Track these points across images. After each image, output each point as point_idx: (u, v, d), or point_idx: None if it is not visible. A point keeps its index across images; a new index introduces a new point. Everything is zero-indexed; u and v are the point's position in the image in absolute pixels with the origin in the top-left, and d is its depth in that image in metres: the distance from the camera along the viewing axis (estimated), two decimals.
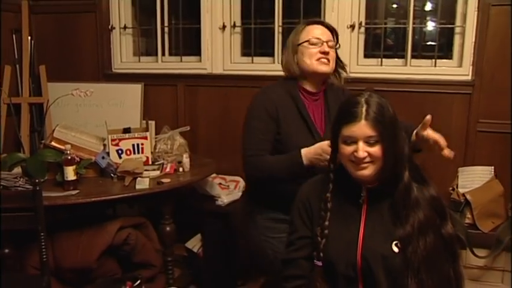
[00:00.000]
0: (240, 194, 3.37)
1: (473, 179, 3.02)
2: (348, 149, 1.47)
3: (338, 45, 2.23)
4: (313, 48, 2.10)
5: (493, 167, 3.02)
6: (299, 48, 2.15)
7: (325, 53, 2.09)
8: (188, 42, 3.87)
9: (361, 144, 1.45)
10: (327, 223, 1.52)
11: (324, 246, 1.50)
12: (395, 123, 1.51)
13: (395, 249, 1.48)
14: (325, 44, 2.10)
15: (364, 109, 1.46)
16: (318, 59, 2.09)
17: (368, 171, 1.47)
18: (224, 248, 3.16)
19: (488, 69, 3.20)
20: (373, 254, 1.48)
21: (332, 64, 2.14)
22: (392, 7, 3.60)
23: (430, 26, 3.53)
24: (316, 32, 2.13)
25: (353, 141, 1.46)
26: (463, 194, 2.87)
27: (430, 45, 3.51)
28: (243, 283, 3.28)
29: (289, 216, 1.64)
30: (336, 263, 1.50)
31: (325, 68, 2.11)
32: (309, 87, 2.20)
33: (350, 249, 1.50)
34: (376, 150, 1.46)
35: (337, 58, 2.25)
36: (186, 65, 3.75)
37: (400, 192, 1.50)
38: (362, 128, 1.45)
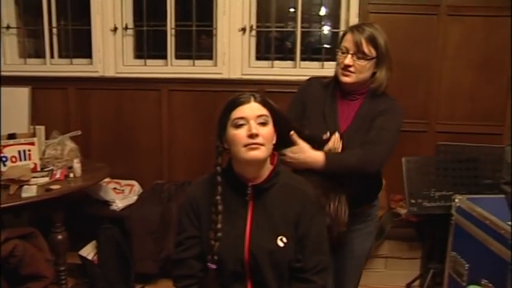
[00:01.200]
0: (135, 197, 3.33)
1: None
2: (239, 132, 1.51)
3: (372, 57, 1.93)
4: (341, 57, 1.95)
5: None
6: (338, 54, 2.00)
7: (347, 66, 1.92)
8: (78, 44, 3.74)
9: (252, 122, 1.51)
10: (219, 226, 1.55)
11: (217, 251, 1.54)
12: (282, 115, 1.63)
13: (281, 244, 1.55)
14: (349, 56, 1.92)
15: (250, 94, 1.56)
16: (342, 69, 1.94)
17: (261, 152, 1.51)
18: (120, 253, 3.10)
19: None
20: (259, 249, 1.54)
21: (357, 75, 1.93)
22: (290, 11, 3.74)
23: (318, 30, 3.72)
24: (347, 39, 1.95)
25: (244, 123, 1.51)
26: None
27: (319, 48, 3.70)
28: (142, 287, 3.24)
29: (178, 217, 1.67)
30: (225, 260, 1.54)
31: (344, 79, 1.95)
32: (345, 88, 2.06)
33: (238, 245, 1.55)
34: (267, 131, 1.53)
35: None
36: (77, 68, 3.64)
37: (281, 188, 1.60)
38: (253, 107, 1.52)
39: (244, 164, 1.55)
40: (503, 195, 2.01)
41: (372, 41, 1.91)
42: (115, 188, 3.37)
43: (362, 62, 1.92)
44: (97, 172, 3.03)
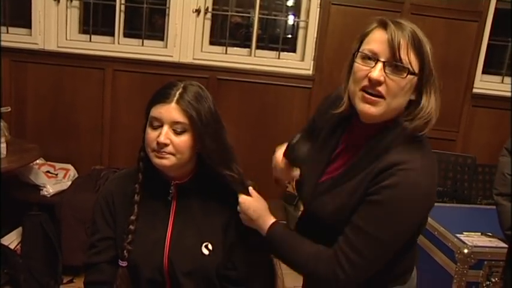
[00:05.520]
0: (69, 183, 3.09)
1: None
2: (152, 134, 1.32)
3: (414, 71, 1.18)
4: (362, 69, 1.19)
5: None
6: (354, 64, 1.23)
7: (374, 84, 1.16)
8: (16, 11, 3.43)
9: (165, 128, 1.30)
10: (133, 217, 1.37)
11: (130, 245, 1.36)
12: (212, 120, 1.36)
13: (206, 252, 1.39)
14: (379, 64, 1.16)
15: (178, 92, 1.32)
16: (362, 89, 1.19)
17: (168, 162, 1.32)
18: (47, 243, 2.88)
19: (327, 65, 3.32)
20: (180, 257, 1.37)
21: (388, 102, 1.18)
22: None
23: (274, 17, 3.57)
24: (374, 39, 1.20)
25: (159, 124, 1.32)
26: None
27: (277, 37, 3.55)
28: (71, 280, 3.03)
29: (92, 215, 1.46)
30: (142, 265, 1.36)
31: (368, 108, 1.19)
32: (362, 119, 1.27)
33: (156, 250, 1.37)
34: (181, 141, 1.32)
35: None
36: (13, 37, 3.32)
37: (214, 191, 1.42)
38: (170, 110, 1.30)
39: None
40: (453, 204, 1.94)
41: (417, 45, 1.18)
42: (48, 172, 3.12)
43: (399, 78, 1.16)
44: (26, 153, 2.78)
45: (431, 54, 1.21)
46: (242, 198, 1.39)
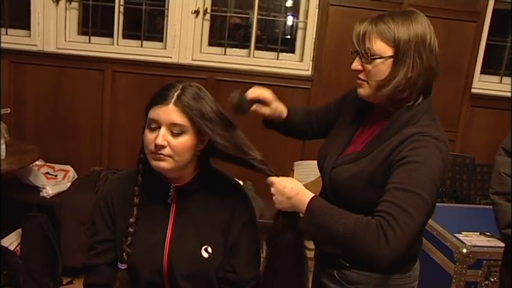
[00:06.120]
0: (68, 184, 3.10)
1: (308, 172, 3.11)
2: (150, 136, 1.31)
3: (385, 56, 1.34)
4: (352, 60, 1.42)
5: None
6: None
7: (356, 72, 1.40)
8: (15, 12, 3.43)
9: (163, 130, 1.29)
10: (132, 220, 1.36)
11: (129, 247, 1.36)
12: (217, 117, 1.34)
13: (205, 255, 1.38)
14: (356, 57, 1.39)
15: (176, 93, 1.30)
16: (355, 78, 1.42)
17: (166, 164, 1.31)
18: (47, 244, 2.87)
19: (326, 66, 3.33)
20: (180, 259, 1.37)
21: (371, 85, 1.37)
22: None
23: (273, 18, 3.58)
24: (353, 36, 1.40)
25: (157, 126, 1.31)
26: None
27: (275, 38, 3.55)
28: (71, 281, 3.02)
29: (91, 217, 1.45)
30: (141, 268, 1.36)
31: (359, 91, 1.42)
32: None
33: (156, 253, 1.37)
34: (179, 143, 1.30)
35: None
36: (12, 39, 3.32)
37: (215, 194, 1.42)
38: (168, 112, 1.29)
39: None
40: (451, 204, 1.94)
41: (383, 34, 1.33)
42: (47, 173, 3.12)
43: (371, 64, 1.35)
44: (25, 155, 2.78)
45: (410, 35, 1.33)
46: (274, 179, 1.37)
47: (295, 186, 1.35)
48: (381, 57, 1.34)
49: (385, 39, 1.33)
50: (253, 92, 1.59)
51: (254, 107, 1.61)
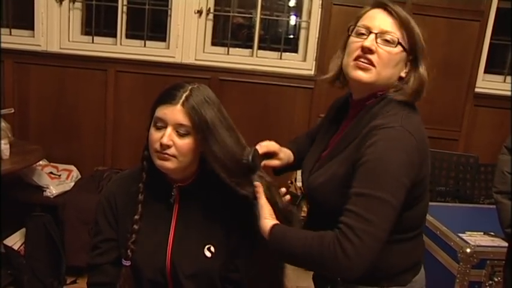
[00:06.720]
0: (72, 184, 3.10)
1: None
2: (155, 135, 1.31)
3: (405, 46, 1.30)
4: (356, 41, 1.30)
5: None
6: (349, 40, 1.35)
7: (366, 51, 1.27)
8: (19, 13, 3.45)
9: (169, 130, 1.30)
10: (137, 217, 1.37)
11: (133, 244, 1.36)
12: (220, 126, 1.33)
13: (208, 254, 1.38)
14: (372, 35, 1.27)
15: (185, 95, 1.30)
16: (355, 59, 1.29)
17: (171, 164, 1.31)
18: (51, 243, 2.88)
19: (329, 65, 3.31)
20: (182, 259, 1.37)
21: (379, 70, 1.28)
22: None
23: (277, 18, 3.58)
24: (369, 16, 1.32)
25: (163, 125, 1.31)
26: (300, 188, 2.92)
27: (278, 37, 3.56)
28: (74, 280, 3.03)
29: (95, 217, 1.46)
30: (143, 267, 1.37)
31: (359, 75, 1.28)
32: (354, 93, 1.40)
33: (159, 253, 1.37)
34: (184, 143, 1.30)
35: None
36: (16, 39, 3.33)
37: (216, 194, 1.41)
38: (175, 112, 1.29)
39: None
40: (455, 204, 1.94)
41: (407, 25, 1.29)
42: (51, 173, 3.13)
43: (390, 48, 1.27)
44: (29, 155, 2.79)
45: (422, 38, 1.32)
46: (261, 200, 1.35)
47: (266, 214, 1.32)
48: (403, 47, 1.28)
49: (409, 32, 1.29)
50: (263, 148, 1.54)
51: (264, 162, 1.54)
